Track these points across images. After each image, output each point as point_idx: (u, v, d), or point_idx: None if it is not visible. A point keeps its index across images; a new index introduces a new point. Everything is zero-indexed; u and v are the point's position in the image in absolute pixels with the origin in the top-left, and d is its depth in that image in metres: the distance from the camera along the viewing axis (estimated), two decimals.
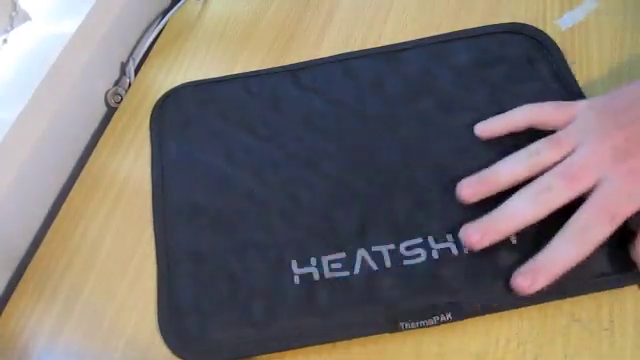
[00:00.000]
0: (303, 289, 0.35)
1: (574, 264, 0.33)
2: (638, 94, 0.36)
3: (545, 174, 0.35)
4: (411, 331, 0.34)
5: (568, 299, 0.34)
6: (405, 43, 0.46)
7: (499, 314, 0.34)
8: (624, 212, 0.33)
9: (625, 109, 0.35)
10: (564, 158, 0.35)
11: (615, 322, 0.33)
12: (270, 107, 0.44)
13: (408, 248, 0.36)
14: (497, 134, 0.40)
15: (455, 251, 0.35)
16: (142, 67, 0.49)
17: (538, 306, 0.34)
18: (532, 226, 0.34)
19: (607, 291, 0.34)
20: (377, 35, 0.47)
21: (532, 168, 0.36)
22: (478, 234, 0.35)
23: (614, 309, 0.33)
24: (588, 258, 0.34)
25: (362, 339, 0.34)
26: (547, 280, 0.33)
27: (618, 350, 0.32)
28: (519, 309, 0.34)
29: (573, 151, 0.35)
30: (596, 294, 0.34)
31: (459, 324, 0.34)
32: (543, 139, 0.36)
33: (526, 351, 0.33)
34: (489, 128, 0.40)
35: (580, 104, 0.38)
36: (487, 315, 0.34)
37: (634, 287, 0.34)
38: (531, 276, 0.33)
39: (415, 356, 0.34)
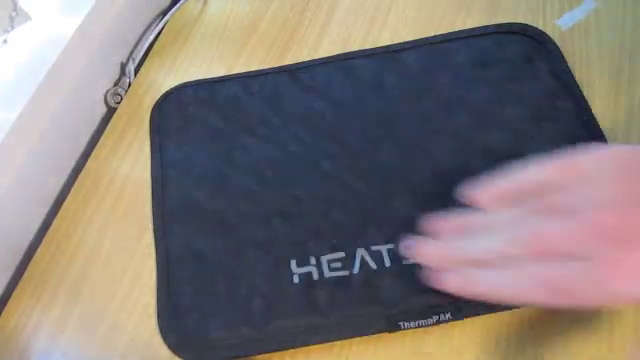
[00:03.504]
0: (302, 288, 0.35)
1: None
2: None
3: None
4: (411, 331, 0.34)
5: None
6: (405, 43, 0.46)
7: (499, 314, 0.34)
8: (578, 296, 0.28)
9: None
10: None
11: (615, 322, 0.33)
12: (270, 107, 0.44)
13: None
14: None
15: None
16: (142, 67, 0.49)
17: (538, 306, 0.34)
18: None
19: None
20: (377, 35, 0.47)
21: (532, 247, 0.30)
22: (427, 251, 0.33)
23: (614, 309, 0.33)
24: None
25: (362, 339, 0.34)
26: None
27: (618, 350, 0.32)
28: (519, 309, 0.34)
29: (571, 215, 0.29)
30: None
31: (459, 324, 0.34)
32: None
33: (526, 351, 0.33)
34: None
35: (599, 151, 0.30)
36: (487, 315, 0.34)
37: None
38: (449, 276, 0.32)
39: (415, 356, 0.34)
